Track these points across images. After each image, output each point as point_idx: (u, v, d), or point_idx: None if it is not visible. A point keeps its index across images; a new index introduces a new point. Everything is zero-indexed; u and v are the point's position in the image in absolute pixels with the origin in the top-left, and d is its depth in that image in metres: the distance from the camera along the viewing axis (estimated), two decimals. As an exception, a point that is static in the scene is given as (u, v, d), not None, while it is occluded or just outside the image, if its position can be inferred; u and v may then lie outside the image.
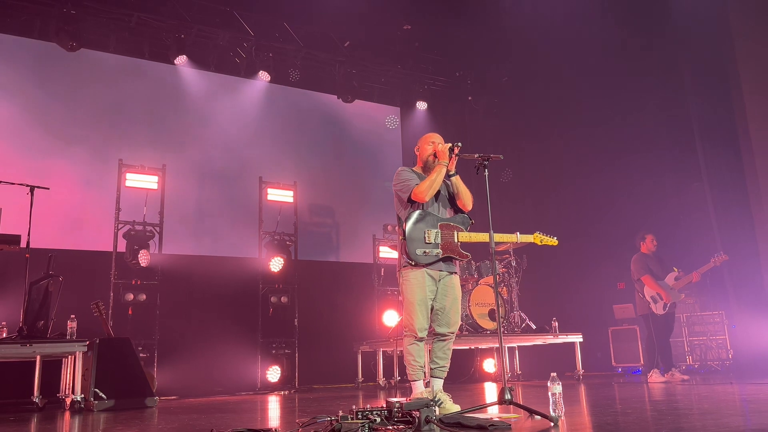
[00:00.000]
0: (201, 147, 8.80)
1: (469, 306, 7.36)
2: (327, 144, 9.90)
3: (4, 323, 5.84)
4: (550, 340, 7.61)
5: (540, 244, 4.30)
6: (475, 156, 3.83)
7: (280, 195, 8.71)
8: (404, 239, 3.89)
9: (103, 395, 5.26)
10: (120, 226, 7.49)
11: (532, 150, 10.02)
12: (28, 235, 5.59)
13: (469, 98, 10.90)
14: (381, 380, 7.80)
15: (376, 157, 10.18)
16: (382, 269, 9.16)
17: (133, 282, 7.41)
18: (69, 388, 5.54)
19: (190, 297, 8.02)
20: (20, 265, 5.57)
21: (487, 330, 7.37)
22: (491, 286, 7.54)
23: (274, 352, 8.17)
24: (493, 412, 3.73)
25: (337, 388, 8.11)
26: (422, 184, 3.92)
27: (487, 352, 9.04)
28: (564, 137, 9.55)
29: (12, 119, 7.68)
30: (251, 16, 9.05)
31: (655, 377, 6.65)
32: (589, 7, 8.43)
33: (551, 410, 3.20)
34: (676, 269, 6.98)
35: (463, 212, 4.11)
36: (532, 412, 3.30)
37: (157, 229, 7.66)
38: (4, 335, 5.66)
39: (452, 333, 4.00)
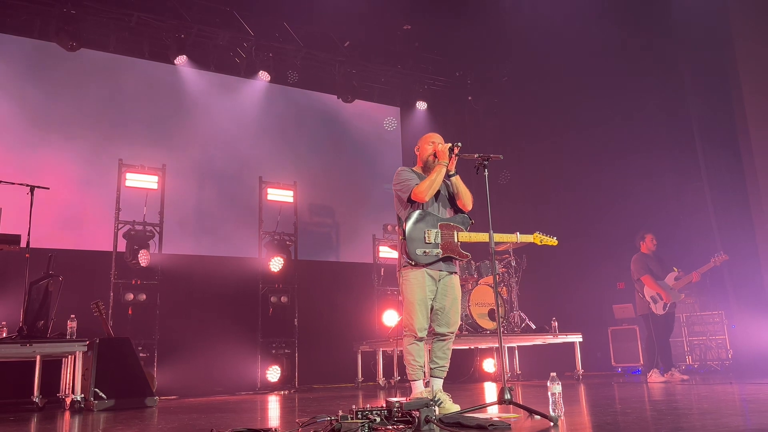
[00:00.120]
0: (201, 147, 8.81)
1: (468, 306, 7.36)
2: (327, 144, 9.90)
3: (4, 323, 5.84)
4: (549, 340, 7.61)
5: (540, 244, 4.30)
6: (475, 156, 3.84)
7: (280, 195, 8.72)
8: (404, 239, 3.90)
9: (103, 395, 5.26)
10: (120, 225, 7.50)
11: (532, 150, 10.02)
12: (28, 234, 5.59)
13: (469, 98, 10.91)
14: (381, 380, 7.80)
15: (375, 157, 10.18)
16: (382, 269, 9.16)
17: (133, 282, 7.41)
18: (69, 388, 5.54)
19: (190, 297, 8.02)
20: (20, 265, 5.57)
21: (486, 330, 7.37)
22: (491, 286, 7.55)
23: (273, 351, 8.17)
24: (493, 412, 3.73)
25: (337, 387, 8.11)
26: (422, 184, 3.92)
27: (487, 352, 9.04)
28: (564, 137, 9.55)
29: (12, 119, 7.68)
30: (251, 16, 9.06)
31: (654, 377, 6.65)
32: (589, 7, 8.43)
33: (551, 410, 3.20)
34: (676, 269, 6.98)
35: (463, 212, 4.12)
36: (531, 411, 3.30)
37: (157, 228, 7.66)
38: (4, 335, 5.66)
39: (452, 333, 4.00)
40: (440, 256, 3.90)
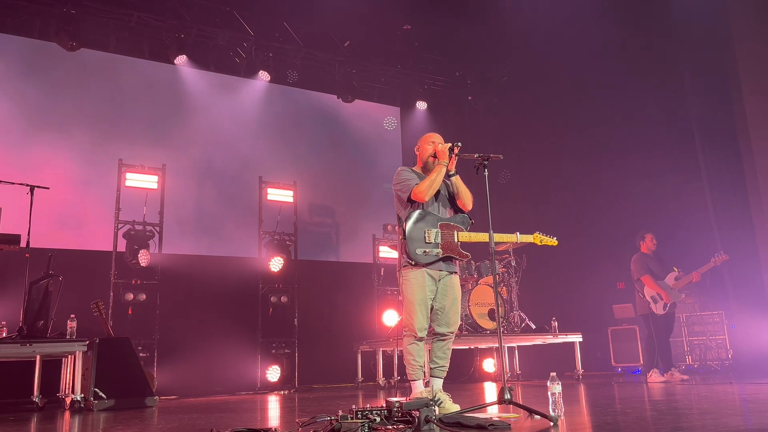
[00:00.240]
0: (201, 147, 8.81)
1: (468, 306, 7.36)
2: (327, 144, 9.90)
3: (4, 323, 5.84)
4: (549, 339, 7.61)
5: (540, 244, 4.30)
6: (475, 156, 3.84)
7: (279, 195, 8.72)
8: (404, 239, 3.90)
9: (102, 395, 5.26)
10: (120, 225, 7.50)
11: (532, 150, 10.02)
12: (28, 234, 5.59)
13: (469, 98, 10.91)
14: (381, 380, 7.80)
15: (375, 156, 10.18)
16: (382, 269, 9.16)
17: (133, 282, 7.41)
18: (69, 388, 5.54)
19: (190, 297, 8.02)
20: (20, 265, 5.57)
21: (486, 330, 7.37)
22: (491, 286, 7.55)
23: (273, 351, 8.17)
24: (493, 412, 3.73)
25: (337, 387, 8.11)
26: (422, 184, 3.92)
27: (487, 352, 9.04)
28: (564, 137, 9.55)
29: (12, 119, 7.68)
30: (251, 16, 9.06)
31: (654, 377, 6.65)
32: (589, 7, 8.43)
33: (551, 410, 3.20)
34: (676, 269, 6.98)
35: (463, 212, 4.12)
36: (531, 411, 3.30)
37: (157, 228, 7.66)
38: (4, 335, 5.66)
39: (452, 333, 4.00)
40: (440, 256, 3.90)
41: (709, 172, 8.20)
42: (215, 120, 8.99)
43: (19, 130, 7.69)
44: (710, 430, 2.59)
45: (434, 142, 4.10)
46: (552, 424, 3.07)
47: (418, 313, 3.89)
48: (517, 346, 8.54)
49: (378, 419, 2.91)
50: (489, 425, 2.92)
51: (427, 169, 4.08)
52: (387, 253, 9.21)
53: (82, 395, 5.34)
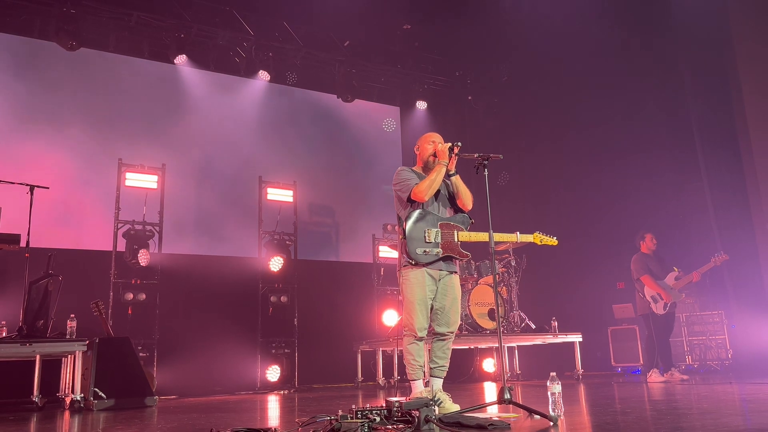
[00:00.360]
0: (201, 146, 8.80)
1: (468, 306, 7.36)
2: (327, 143, 9.90)
3: (3, 322, 5.84)
4: (549, 339, 7.61)
5: (540, 243, 4.30)
6: (475, 156, 3.83)
7: (279, 194, 8.71)
8: (404, 239, 3.89)
9: (102, 395, 5.26)
10: (120, 225, 7.50)
11: (532, 150, 10.03)
12: (28, 234, 5.59)
13: (469, 98, 10.91)
14: (380, 380, 7.80)
15: (375, 156, 10.18)
16: (382, 269, 9.15)
17: (133, 281, 7.41)
18: (69, 388, 5.55)
19: (190, 296, 8.02)
20: (20, 265, 5.57)
21: (486, 329, 7.37)
22: (491, 286, 7.54)
23: (273, 351, 8.17)
24: (493, 412, 3.73)
25: (337, 387, 8.11)
26: (422, 184, 3.92)
27: (487, 352, 9.04)
28: (564, 137, 9.55)
29: (12, 118, 7.68)
30: (251, 16, 9.06)
31: (654, 377, 6.65)
32: (589, 7, 8.43)
33: (551, 410, 3.20)
34: (676, 269, 6.98)
35: (463, 212, 4.11)
36: (531, 411, 3.30)
37: (157, 228, 7.66)
38: (4, 334, 5.66)
39: (452, 332, 4.00)
40: (440, 256, 3.90)
41: (709, 172, 8.20)
42: (215, 120, 8.99)
43: (19, 129, 7.68)
44: (710, 430, 2.59)
45: (434, 142, 4.10)
46: (552, 423, 3.07)
47: (418, 312, 3.89)
48: (517, 345, 8.54)
49: (378, 419, 2.91)
50: (489, 425, 2.92)
51: (427, 169, 4.08)
52: (387, 252, 9.20)
53: (82, 395, 5.34)
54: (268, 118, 9.45)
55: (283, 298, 8.27)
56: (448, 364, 4.02)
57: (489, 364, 9.04)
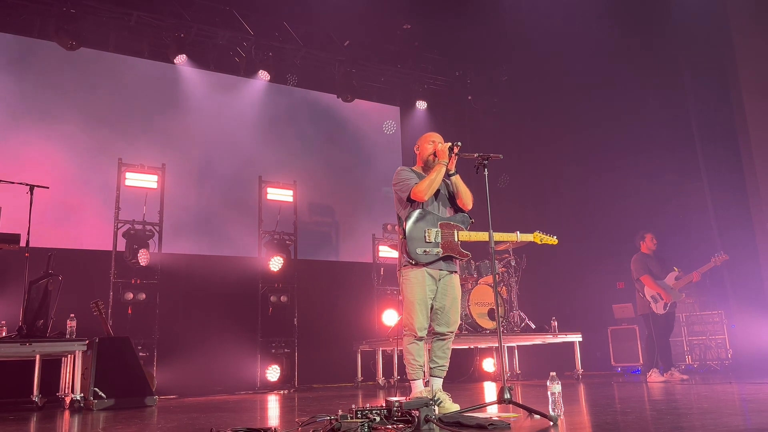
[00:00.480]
0: (201, 146, 8.80)
1: (468, 305, 7.36)
2: (327, 143, 9.90)
3: (3, 322, 5.84)
4: (549, 339, 7.61)
5: (540, 243, 4.30)
6: (475, 155, 3.83)
7: (279, 194, 8.71)
8: (404, 238, 3.89)
9: (102, 394, 5.25)
10: (119, 225, 7.49)
11: (532, 149, 10.03)
12: (28, 234, 5.59)
13: (469, 98, 10.91)
14: (380, 379, 7.80)
15: (375, 156, 10.18)
16: (382, 268, 9.15)
17: (133, 281, 7.40)
18: (68, 387, 5.55)
19: (190, 296, 8.02)
20: (20, 264, 5.57)
21: (486, 329, 7.37)
22: (491, 286, 7.54)
23: (273, 351, 8.17)
24: (493, 412, 3.73)
25: (337, 387, 8.11)
26: (421, 184, 3.92)
27: (487, 352, 9.04)
28: (564, 137, 9.55)
29: (11, 118, 7.68)
30: (251, 16, 9.05)
31: (654, 377, 6.65)
32: (589, 7, 8.43)
33: (550, 409, 3.20)
34: (676, 269, 6.99)
35: (463, 211, 4.11)
36: (531, 411, 3.30)
37: (157, 228, 7.66)
38: (4, 334, 5.66)
39: (452, 332, 4.00)
40: (440, 255, 3.90)
41: (709, 172, 8.20)
42: (215, 119, 8.98)
43: (19, 129, 7.68)
44: (710, 430, 2.59)
45: (434, 142, 4.10)
46: (552, 423, 3.07)
47: (418, 312, 3.89)
48: (517, 345, 8.54)
49: (378, 419, 2.91)
50: (489, 425, 2.92)
51: (427, 169, 4.08)
52: (387, 252, 9.20)
53: (82, 395, 5.34)
54: (268, 117, 9.44)
55: (283, 298, 8.27)
56: (447, 364, 4.02)
57: (489, 364, 9.04)
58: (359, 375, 8.20)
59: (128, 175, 7.64)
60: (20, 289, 5.57)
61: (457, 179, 4.05)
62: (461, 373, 8.77)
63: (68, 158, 7.81)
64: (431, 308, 3.97)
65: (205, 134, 8.87)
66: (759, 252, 7.78)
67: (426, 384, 3.96)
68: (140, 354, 6.93)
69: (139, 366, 5.85)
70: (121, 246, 7.45)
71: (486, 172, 3.76)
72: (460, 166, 4.04)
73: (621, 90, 8.71)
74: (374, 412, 2.93)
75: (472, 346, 8.52)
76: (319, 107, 9.94)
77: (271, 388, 7.81)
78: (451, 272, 4.02)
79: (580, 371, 7.49)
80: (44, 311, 5.58)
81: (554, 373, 3.31)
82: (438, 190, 4.03)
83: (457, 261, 4.05)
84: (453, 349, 4.19)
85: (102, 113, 8.23)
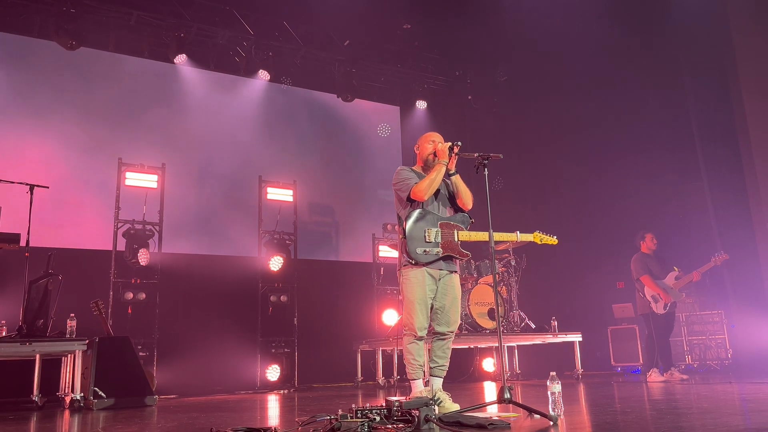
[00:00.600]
0: (201, 146, 8.80)
1: (468, 305, 7.36)
2: (326, 143, 9.90)
3: (3, 322, 5.84)
4: (549, 339, 7.61)
5: (540, 243, 4.30)
6: (475, 155, 3.83)
7: (279, 194, 8.71)
8: (404, 238, 3.89)
9: (102, 394, 5.25)
10: (119, 224, 7.49)
11: (532, 149, 10.02)
12: (28, 233, 5.59)
13: (469, 97, 10.90)
14: (380, 379, 7.80)
15: (375, 155, 10.18)
16: (382, 268, 9.15)
17: (133, 281, 7.41)
18: (68, 387, 5.55)
19: (190, 296, 8.02)
20: (20, 264, 5.58)
21: (486, 329, 7.37)
22: (491, 286, 7.55)
23: (273, 351, 8.17)
24: (493, 411, 3.73)
25: (337, 387, 8.11)
26: (421, 183, 3.92)
27: (487, 351, 9.05)
28: (564, 137, 9.55)
29: (11, 117, 7.68)
30: (251, 15, 9.05)
31: (654, 376, 6.65)
32: (589, 6, 8.43)
33: (550, 409, 3.21)
34: (676, 269, 6.99)
35: (463, 211, 4.11)
36: (531, 411, 3.30)
37: (157, 228, 7.66)
38: (4, 334, 5.66)
39: (452, 332, 4.00)
40: (440, 255, 3.90)
41: (709, 172, 8.20)
42: (215, 119, 8.98)
43: (19, 128, 7.68)
44: (710, 430, 2.59)
45: (434, 141, 4.10)
46: (552, 423, 3.07)
47: (418, 312, 3.89)
48: (517, 345, 8.54)
49: (378, 418, 2.91)
50: (489, 424, 2.92)
51: (427, 168, 4.08)
52: (387, 252, 9.20)
53: (82, 394, 5.34)
54: (268, 117, 9.44)
55: (283, 298, 8.27)
56: (447, 364, 4.02)
57: (489, 364, 9.04)
58: (359, 375, 8.20)
59: (128, 174, 7.63)
60: (20, 288, 5.57)
61: (457, 179, 4.04)
62: (461, 373, 8.77)
63: (68, 158, 7.81)
64: (431, 308, 3.97)
65: (205, 134, 8.87)
66: (759, 252, 7.78)
67: (426, 384, 3.96)
68: (140, 354, 6.92)
69: (139, 366, 5.85)
70: (121, 246, 7.45)
71: (486, 172, 3.76)
72: (460, 166, 4.03)
73: (621, 90, 8.71)
74: (374, 411, 2.93)
75: (472, 346, 8.52)
76: (319, 107, 9.94)
77: (271, 387, 7.81)
78: (451, 272, 4.02)
79: (580, 371, 7.49)
80: (44, 311, 5.58)
81: (554, 373, 3.31)
82: (438, 190, 4.03)
83: (457, 261, 4.05)
84: (453, 349, 4.19)
85: (102, 113, 8.23)
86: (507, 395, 3.30)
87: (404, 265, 3.96)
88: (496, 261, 7.91)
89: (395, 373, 7.70)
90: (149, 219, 7.64)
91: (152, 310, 7.44)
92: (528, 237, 4.24)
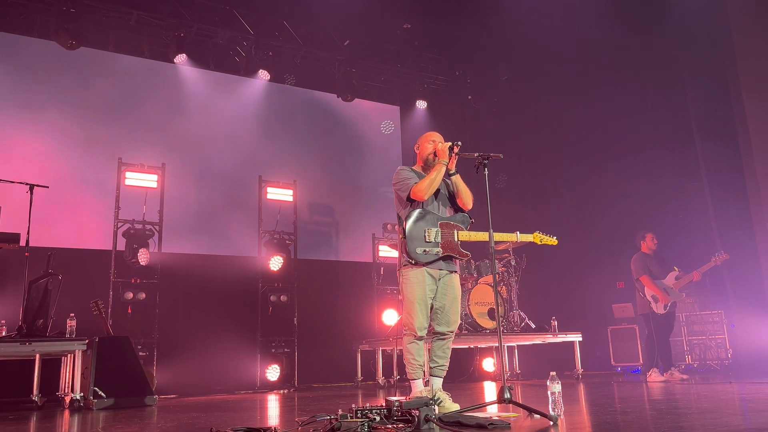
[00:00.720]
0: (201, 146, 8.80)
1: (468, 305, 7.36)
2: (326, 143, 9.90)
3: (3, 322, 5.84)
4: (549, 339, 7.61)
5: (540, 243, 4.30)
6: (475, 155, 3.83)
7: (279, 194, 8.71)
8: (404, 238, 3.89)
9: (102, 394, 5.25)
10: (119, 224, 7.49)
11: (532, 149, 10.02)
12: (28, 233, 5.59)
13: (469, 97, 10.90)
14: (380, 379, 7.80)
15: (375, 155, 10.18)
16: (382, 268, 9.15)
17: (133, 281, 7.41)
18: (68, 387, 5.55)
19: (190, 296, 8.02)
20: (20, 264, 5.57)
21: (486, 329, 7.37)
22: (491, 285, 7.55)
23: (273, 350, 8.17)
24: (493, 411, 3.73)
25: (337, 386, 8.11)
26: (421, 183, 3.92)
27: (487, 351, 9.04)
28: (564, 136, 9.55)
29: (11, 117, 7.68)
30: (251, 15, 9.05)
31: (654, 376, 6.65)
32: (589, 6, 8.43)
33: (550, 409, 3.20)
34: (676, 269, 6.99)
35: (463, 211, 4.11)
36: (531, 411, 3.30)
37: (157, 227, 7.66)
38: (4, 333, 5.66)
39: (452, 332, 4.00)
40: (440, 255, 3.90)
41: (709, 172, 8.20)
42: (215, 119, 8.98)
43: (19, 128, 7.68)
44: (710, 430, 2.59)
45: (434, 141, 4.10)
46: (552, 423, 3.07)
47: (418, 312, 3.88)
48: (517, 345, 8.54)
49: (378, 418, 2.91)
50: (489, 424, 2.92)
51: (427, 168, 4.07)
52: (387, 252, 9.20)
53: (82, 394, 5.34)
54: (268, 117, 9.44)
55: (283, 298, 8.27)
56: (447, 364, 4.02)
57: (489, 364, 9.04)
58: (359, 374, 8.21)
59: (128, 174, 7.64)
60: (20, 288, 5.57)
61: (457, 179, 4.04)
62: (461, 373, 8.77)
63: (68, 157, 7.80)
64: (431, 308, 3.97)
65: (205, 134, 8.87)
66: (759, 252, 7.78)
67: (426, 384, 3.96)
68: (140, 353, 6.92)
69: (139, 365, 5.85)
70: (121, 245, 7.45)
71: (486, 172, 3.76)
72: (460, 166, 4.03)
73: (621, 90, 8.71)
74: (374, 411, 2.93)
75: (472, 346, 8.52)
76: (319, 107, 9.93)
77: (270, 387, 7.81)
78: (451, 272, 4.01)
79: (580, 371, 7.49)
80: (44, 311, 5.58)
81: (554, 373, 3.31)
82: (438, 190, 4.02)
83: (457, 261, 4.05)
84: (453, 349, 4.19)
85: (102, 112, 8.23)
86: (507, 395, 3.30)
87: (404, 265, 3.96)
88: (496, 261, 7.91)
89: (395, 373, 7.70)
90: (149, 219, 7.63)
91: (152, 310, 7.44)
92: (528, 237, 4.24)
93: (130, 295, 7.30)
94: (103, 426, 3.88)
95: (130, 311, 7.32)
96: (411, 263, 3.90)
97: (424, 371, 3.97)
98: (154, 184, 7.78)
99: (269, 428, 3.00)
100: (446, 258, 3.95)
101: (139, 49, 8.70)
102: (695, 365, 8.14)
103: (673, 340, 7.60)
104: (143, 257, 7.30)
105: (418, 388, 3.90)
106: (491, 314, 7.42)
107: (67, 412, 5.03)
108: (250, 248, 8.53)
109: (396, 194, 4.10)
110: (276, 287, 8.30)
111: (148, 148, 8.14)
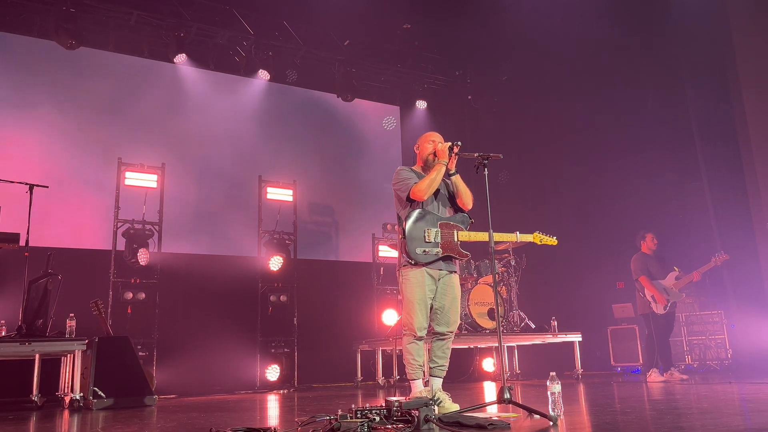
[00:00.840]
0: (200, 145, 8.80)
1: (468, 305, 7.36)
2: (326, 143, 9.90)
3: (3, 322, 5.84)
4: (549, 339, 7.61)
5: (539, 243, 4.29)
6: (475, 155, 3.83)
7: (279, 194, 8.71)
8: (404, 238, 3.89)
9: (102, 394, 5.25)
10: (119, 224, 7.49)
11: (532, 149, 10.02)
12: (27, 233, 5.58)
13: (469, 97, 10.90)
14: (380, 379, 7.80)
15: (375, 155, 10.18)
16: (382, 268, 9.15)
17: (132, 281, 7.41)
18: (68, 387, 5.54)
19: (190, 296, 8.02)
20: (19, 264, 5.57)
21: (486, 329, 7.37)
22: (490, 286, 7.55)
23: (273, 350, 8.17)
24: (493, 411, 3.73)
25: (336, 387, 8.10)
26: (421, 183, 3.92)
27: (487, 352, 9.04)
28: (564, 137, 9.55)
29: (11, 117, 7.68)
30: (251, 15, 9.05)
31: (654, 377, 6.65)
32: (589, 6, 8.43)
33: (550, 409, 3.20)
34: (676, 269, 6.98)
35: (462, 211, 4.11)
36: (531, 411, 3.30)
37: (157, 227, 7.66)
38: (3, 333, 5.66)
39: (451, 332, 3.99)
40: (440, 255, 3.89)
41: (709, 172, 8.20)
42: (215, 119, 8.98)
43: (18, 128, 7.68)
44: (710, 430, 2.59)
45: (434, 141, 4.09)
46: (551, 423, 3.06)
47: (418, 312, 3.88)
48: (517, 345, 8.54)
49: (377, 419, 2.91)
50: (488, 425, 2.92)
51: (426, 168, 4.07)
52: (386, 252, 9.20)
53: (81, 394, 5.34)
54: (268, 117, 9.44)
55: (283, 298, 8.27)
56: (447, 364, 4.02)
57: (489, 364, 9.04)
58: (359, 375, 8.20)
59: (128, 174, 7.63)
60: (20, 288, 5.56)
61: (457, 179, 4.04)
62: (461, 373, 8.77)
63: (68, 157, 7.80)
64: (431, 308, 3.96)
65: (204, 134, 8.87)
66: (759, 252, 7.78)
67: (426, 384, 3.96)
68: (140, 353, 6.92)
69: (139, 365, 5.84)
70: (121, 245, 7.44)
71: (486, 172, 3.75)
72: (460, 166, 4.03)
73: (621, 90, 8.71)
74: (374, 411, 2.93)
75: (471, 346, 8.52)
76: (319, 107, 9.93)
77: (270, 387, 7.81)
78: (451, 272, 4.01)
79: (580, 371, 7.49)
80: (44, 311, 5.58)
81: (554, 373, 3.31)
82: (438, 190, 4.02)
83: (457, 261, 4.04)
84: (453, 349, 4.19)
85: (101, 112, 8.23)
86: (507, 395, 3.30)
87: (404, 265, 3.96)
88: (496, 261, 7.91)
89: (395, 373, 7.69)
90: (149, 219, 7.63)
91: (152, 310, 7.44)
92: (528, 237, 4.23)
93: (129, 295, 7.30)
94: (102, 426, 3.88)
95: (129, 311, 7.32)
96: (411, 263, 3.90)
97: (423, 371, 3.97)
98: (154, 184, 7.78)
99: (269, 428, 3.00)
100: (446, 258, 3.95)
101: (138, 49, 8.70)
102: (695, 365, 8.14)
103: (673, 340, 7.60)
104: (143, 257, 7.30)
105: (418, 388, 3.89)
106: (491, 314, 7.42)
107: (66, 412, 5.03)
108: (250, 248, 8.53)
109: (396, 194, 4.10)
110: (276, 287, 8.30)
111: (148, 148, 8.14)
